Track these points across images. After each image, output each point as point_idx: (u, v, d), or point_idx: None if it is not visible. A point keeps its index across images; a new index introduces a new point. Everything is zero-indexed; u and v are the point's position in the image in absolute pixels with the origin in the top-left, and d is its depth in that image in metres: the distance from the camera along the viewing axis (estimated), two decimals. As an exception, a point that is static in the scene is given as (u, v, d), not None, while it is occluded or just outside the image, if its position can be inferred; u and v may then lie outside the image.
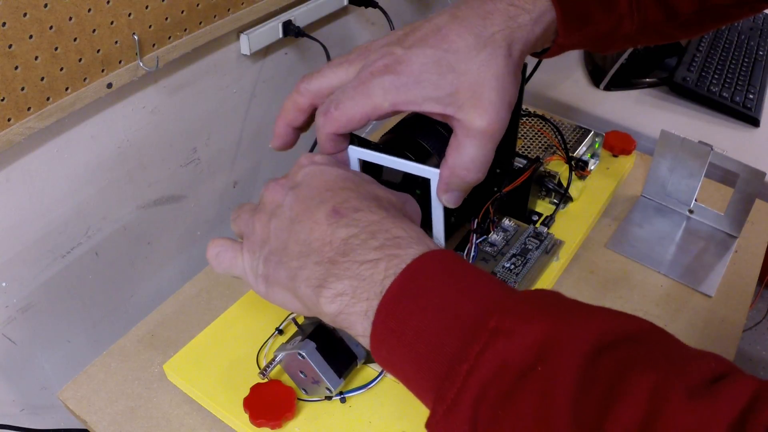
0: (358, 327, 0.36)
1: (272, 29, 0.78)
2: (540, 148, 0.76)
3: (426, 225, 0.45)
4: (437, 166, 0.54)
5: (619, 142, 0.82)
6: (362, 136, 0.52)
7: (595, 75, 1.18)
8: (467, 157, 0.43)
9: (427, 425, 0.35)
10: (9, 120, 0.56)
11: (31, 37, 0.55)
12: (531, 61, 0.81)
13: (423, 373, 0.35)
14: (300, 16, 0.80)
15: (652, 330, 0.34)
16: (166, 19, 0.65)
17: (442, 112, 0.42)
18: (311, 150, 0.88)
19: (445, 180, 0.44)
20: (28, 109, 0.57)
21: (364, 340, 0.37)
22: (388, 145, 0.54)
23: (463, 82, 0.42)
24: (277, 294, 0.41)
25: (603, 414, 0.29)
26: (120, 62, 0.63)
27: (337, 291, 0.37)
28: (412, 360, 0.35)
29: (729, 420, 0.28)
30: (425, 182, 0.46)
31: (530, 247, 0.67)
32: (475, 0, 0.45)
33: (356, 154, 0.47)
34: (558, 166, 0.73)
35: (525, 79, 0.62)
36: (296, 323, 0.56)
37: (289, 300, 0.41)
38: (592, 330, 0.32)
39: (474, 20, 0.44)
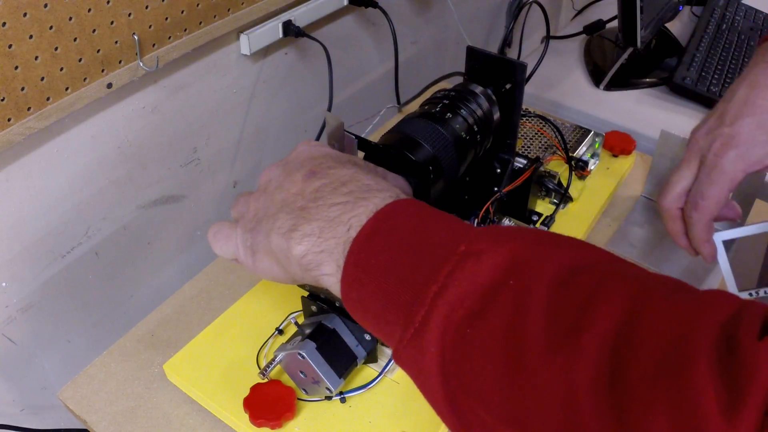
0: (326, 267, 0.37)
1: (272, 29, 0.78)
2: (540, 148, 0.76)
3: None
4: (436, 165, 0.54)
5: (619, 142, 0.82)
6: (362, 136, 0.52)
7: (595, 75, 1.18)
8: None
9: (394, 355, 0.34)
10: (9, 120, 0.55)
11: (31, 37, 0.55)
12: (531, 61, 0.81)
13: (392, 305, 0.34)
14: (300, 16, 0.80)
15: (626, 260, 0.33)
16: (166, 19, 0.65)
17: None
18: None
19: None
20: (28, 109, 0.57)
21: (333, 281, 0.37)
22: (387, 144, 0.54)
23: None
24: (262, 262, 0.42)
25: (581, 318, 0.29)
26: (120, 62, 0.63)
27: (305, 232, 0.37)
28: (382, 294, 0.34)
29: (721, 314, 0.27)
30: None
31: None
32: (759, 66, 0.54)
33: (721, 237, 0.54)
34: (558, 166, 0.73)
35: (525, 79, 0.62)
36: (296, 323, 0.56)
37: (270, 265, 0.41)
38: (564, 253, 0.33)
39: (766, 83, 0.52)
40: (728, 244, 0.55)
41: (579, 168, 0.75)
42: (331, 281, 0.37)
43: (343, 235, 0.36)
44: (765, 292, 0.54)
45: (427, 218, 0.36)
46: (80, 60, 0.59)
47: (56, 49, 0.57)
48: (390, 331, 0.35)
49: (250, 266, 0.43)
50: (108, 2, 0.59)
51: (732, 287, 0.55)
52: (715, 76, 1.12)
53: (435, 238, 0.35)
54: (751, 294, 0.55)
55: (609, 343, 0.28)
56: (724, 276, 0.56)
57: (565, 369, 0.28)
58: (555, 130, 0.76)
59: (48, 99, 0.58)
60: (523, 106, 0.71)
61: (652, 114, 1.09)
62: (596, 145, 0.79)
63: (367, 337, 0.53)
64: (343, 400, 0.54)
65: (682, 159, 0.57)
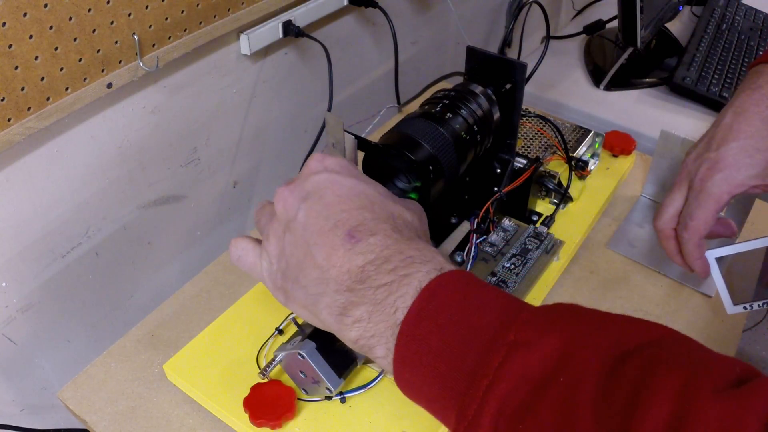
0: (378, 350, 0.37)
1: (272, 29, 0.78)
2: (540, 148, 0.76)
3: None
4: (436, 165, 0.54)
5: (619, 142, 0.82)
6: (362, 136, 0.52)
7: (595, 75, 1.18)
8: None
9: None
10: (9, 120, 0.55)
11: (31, 37, 0.55)
12: (531, 61, 0.81)
13: (445, 392, 0.34)
14: (300, 16, 0.80)
15: (674, 335, 0.33)
16: (166, 19, 0.65)
17: (763, 183, 0.54)
18: (311, 149, 0.88)
19: None
20: (28, 109, 0.57)
21: (386, 363, 0.37)
22: (387, 144, 0.54)
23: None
24: (297, 309, 0.42)
25: (628, 417, 0.29)
26: (120, 62, 0.63)
27: (356, 317, 0.38)
28: (433, 379, 0.35)
29: (763, 415, 0.27)
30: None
31: (530, 247, 0.67)
32: (745, 93, 0.57)
33: (713, 254, 0.57)
34: (558, 166, 0.73)
35: (525, 79, 0.62)
36: (296, 323, 0.56)
37: (307, 316, 0.42)
38: (611, 338, 0.32)
39: (752, 109, 0.55)
40: (722, 260, 0.57)
41: (579, 168, 0.75)
42: (384, 363, 0.38)
43: (390, 318, 0.36)
44: (759, 306, 0.55)
45: (472, 296, 0.36)
46: (80, 60, 0.59)
47: (56, 49, 0.57)
48: (445, 417, 0.36)
49: (279, 301, 0.43)
50: (108, 2, 0.59)
51: (726, 302, 0.57)
52: (715, 76, 1.12)
53: (483, 320, 0.35)
54: (745, 307, 0.57)
55: None
56: (718, 291, 0.58)
57: None
58: (555, 130, 0.76)
59: (48, 99, 0.58)
60: (523, 106, 0.71)
61: (652, 114, 1.09)
62: (596, 145, 0.79)
63: (367, 337, 0.53)
64: (343, 400, 0.54)
65: (674, 183, 0.60)
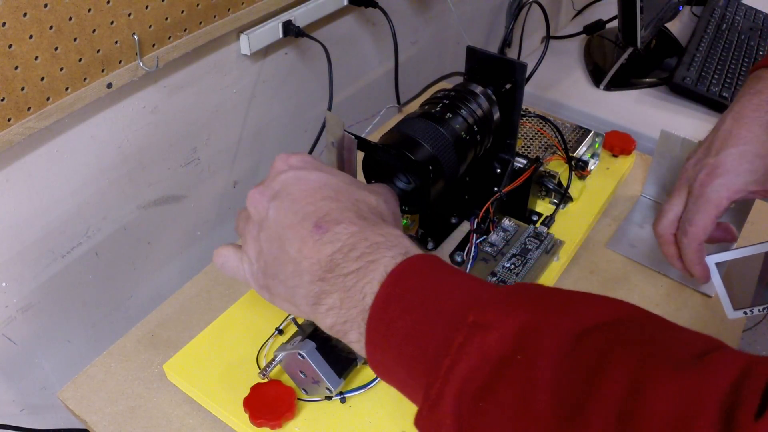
0: (351, 335, 0.39)
1: (272, 29, 0.78)
2: (540, 148, 0.76)
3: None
4: (436, 165, 0.54)
5: (619, 142, 0.82)
6: (362, 136, 0.52)
7: (595, 75, 1.18)
8: None
9: (416, 422, 0.35)
10: (9, 120, 0.55)
11: (31, 37, 0.55)
12: (531, 61, 0.81)
13: (413, 373, 0.36)
14: (300, 16, 0.80)
15: (635, 312, 0.34)
16: (166, 19, 0.65)
17: (762, 189, 0.54)
18: (312, 149, 0.88)
19: None
20: (28, 109, 0.57)
21: (359, 347, 0.38)
22: (387, 144, 0.54)
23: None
24: (280, 304, 0.44)
25: (585, 393, 0.29)
26: (120, 62, 0.63)
27: (329, 305, 0.39)
28: (402, 361, 0.36)
29: (720, 391, 0.27)
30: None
31: (530, 247, 0.67)
32: (745, 97, 0.57)
33: (713, 259, 0.57)
34: (558, 166, 0.73)
35: (525, 79, 0.62)
36: (296, 323, 0.56)
37: (291, 309, 0.44)
38: (571, 316, 0.33)
39: (752, 114, 0.56)
40: (722, 265, 0.57)
41: (579, 168, 0.75)
42: (358, 347, 0.39)
43: (360, 303, 0.38)
44: (759, 311, 0.55)
45: (437, 279, 0.37)
46: (80, 60, 0.59)
47: (56, 49, 0.57)
48: (414, 397, 0.37)
49: (265, 299, 0.45)
50: (108, 2, 0.59)
51: (727, 307, 0.57)
52: (715, 76, 1.12)
53: (447, 303, 0.36)
54: (745, 312, 0.57)
55: (613, 423, 0.28)
56: (718, 295, 0.58)
57: None
58: (555, 130, 0.76)
59: (48, 99, 0.58)
60: (523, 106, 0.71)
61: (652, 114, 1.09)
62: (596, 145, 0.79)
63: (367, 337, 0.53)
64: (343, 400, 0.54)
65: (674, 188, 0.60)
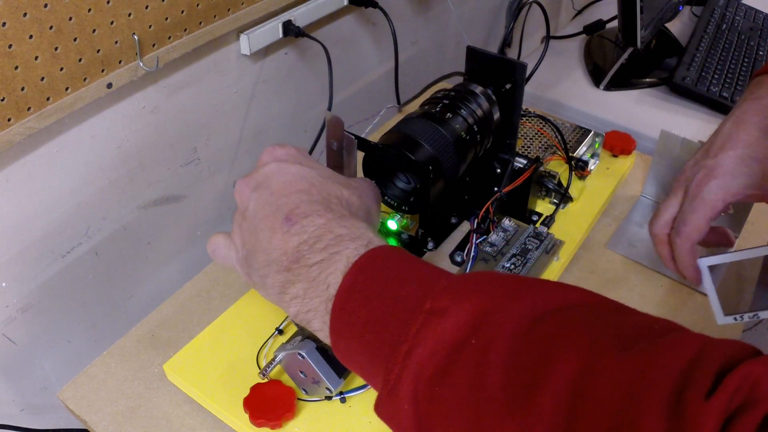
0: (315, 323, 0.40)
1: (272, 29, 0.78)
2: (540, 148, 0.76)
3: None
4: (436, 165, 0.54)
5: (619, 142, 0.82)
6: (362, 136, 0.52)
7: (595, 75, 1.18)
8: None
9: (375, 408, 0.36)
10: (9, 120, 0.55)
11: (31, 37, 0.55)
12: (531, 61, 0.81)
13: (373, 360, 0.36)
14: (300, 16, 0.80)
15: (594, 298, 0.34)
16: (166, 19, 0.65)
17: (758, 192, 0.54)
18: (312, 149, 0.88)
19: None
20: (28, 109, 0.57)
21: (323, 336, 0.40)
22: (388, 144, 0.54)
23: (766, 167, 0.53)
24: (259, 291, 0.45)
25: (538, 375, 0.30)
26: (120, 62, 0.63)
27: (293, 294, 0.41)
28: (363, 348, 0.37)
29: (673, 371, 0.28)
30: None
31: (530, 247, 0.67)
32: (746, 102, 0.57)
33: (706, 262, 0.56)
34: (558, 166, 0.73)
35: (525, 79, 0.62)
36: (296, 323, 0.56)
37: (265, 296, 0.45)
38: (527, 302, 0.33)
39: (752, 119, 0.55)
40: (715, 268, 0.57)
41: (579, 168, 0.75)
42: (322, 336, 0.40)
43: (324, 293, 0.39)
44: (749, 317, 0.55)
45: (398, 269, 0.38)
46: (80, 60, 0.59)
47: (56, 49, 0.57)
48: (375, 384, 0.38)
49: (251, 285, 0.46)
50: (108, 2, 0.59)
51: (717, 311, 0.56)
52: (715, 76, 1.12)
53: (405, 291, 0.37)
54: (735, 318, 0.56)
55: (564, 404, 0.29)
56: (709, 299, 0.57)
57: (523, 430, 0.29)
58: (555, 130, 0.76)
59: (48, 99, 0.58)
60: (523, 106, 0.71)
61: (652, 114, 1.09)
62: (596, 145, 0.79)
63: (367, 337, 0.53)
64: (343, 400, 0.54)
65: (671, 189, 0.60)
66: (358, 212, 0.45)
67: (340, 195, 0.45)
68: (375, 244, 0.40)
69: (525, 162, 0.68)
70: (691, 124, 1.06)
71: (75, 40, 0.58)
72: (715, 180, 0.55)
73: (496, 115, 0.62)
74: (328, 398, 0.54)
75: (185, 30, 0.68)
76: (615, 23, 1.16)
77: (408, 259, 0.40)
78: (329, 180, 0.45)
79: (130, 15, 0.62)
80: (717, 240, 0.60)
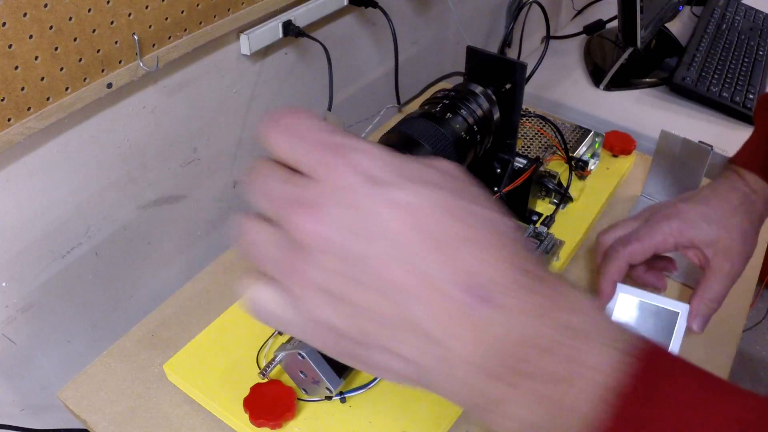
0: None
1: (272, 29, 0.78)
2: (540, 148, 0.76)
3: None
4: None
5: (619, 142, 0.82)
6: (362, 136, 0.52)
7: (595, 75, 1.18)
8: (714, 292, 0.59)
9: None
10: (9, 120, 0.55)
11: (31, 37, 0.55)
12: (531, 61, 0.81)
13: None
14: (300, 16, 0.80)
15: None
16: (166, 19, 0.65)
17: (704, 251, 0.59)
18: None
19: (696, 308, 0.60)
20: (28, 109, 0.57)
21: None
22: (387, 144, 0.54)
23: (722, 235, 0.59)
24: (389, 377, 0.30)
25: None
26: (120, 62, 0.63)
27: (511, 414, 0.28)
28: None
29: None
30: None
31: (530, 247, 0.67)
32: (725, 184, 0.63)
33: (622, 289, 0.62)
34: (558, 166, 0.73)
35: (525, 79, 0.62)
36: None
37: (412, 384, 0.30)
38: None
39: (727, 195, 0.61)
40: (627, 300, 0.62)
41: (579, 168, 0.75)
42: None
43: (573, 424, 0.27)
44: None
45: (681, 397, 0.27)
46: (80, 60, 0.59)
47: (56, 49, 0.57)
48: None
49: (349, 364, 0.31)
50: (108, 2, 0.59)
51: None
52: (715, 76, 1.12)
53: None
54: None
55: None
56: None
57: None
58: (555, 130, 0.76)
59: (48, 99, 0.58)
60: (523, 106, 0.71)
61: (652, 114, 1.09)
62: (596, 145, 0.79)
63: (367, 337, 0.53)
64: (343, 400, 0.54)
65: (635, 215, 0.65)
66: (528, 251, 0.29)
67: (507, 230, 0.28)
68: (626, 346, 0.27)
69: (525, 162, 0.68)
70: (691, 124, 1.06)
71: (75, 40, 0.58)
72: (677, 220, 0.60)
73: (496, 115, 0.62)
74: (328, 398, 0.54)
75: (185, 30, 0.68)
76: (615, 23, 1.16)
77: (688, 372, 0.28)
78: (472, 202, 0.28)
79: (130, 15, 0.62)
80: (652, 281, 0.65)
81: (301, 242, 0.27)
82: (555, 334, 0.27)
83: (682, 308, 0.62)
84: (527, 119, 0.80)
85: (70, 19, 0.57)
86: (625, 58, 1.13)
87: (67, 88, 0.59)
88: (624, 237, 0.62)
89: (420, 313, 0.26)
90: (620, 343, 0.27)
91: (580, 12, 1.45)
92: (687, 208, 0.61)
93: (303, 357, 0.50)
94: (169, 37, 0.67)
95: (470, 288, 0.26)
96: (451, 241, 0.26)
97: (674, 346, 0.61)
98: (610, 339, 0.27)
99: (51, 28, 0.56)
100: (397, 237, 0.26)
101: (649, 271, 0.65)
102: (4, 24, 0.52)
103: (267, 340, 0.58)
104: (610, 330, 0.28)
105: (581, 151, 0.76)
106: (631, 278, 0.64)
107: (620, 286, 0.63)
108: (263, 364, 0.56)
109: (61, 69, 0.58)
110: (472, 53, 0.63)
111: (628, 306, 0.64)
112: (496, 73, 0.62)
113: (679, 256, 0.71)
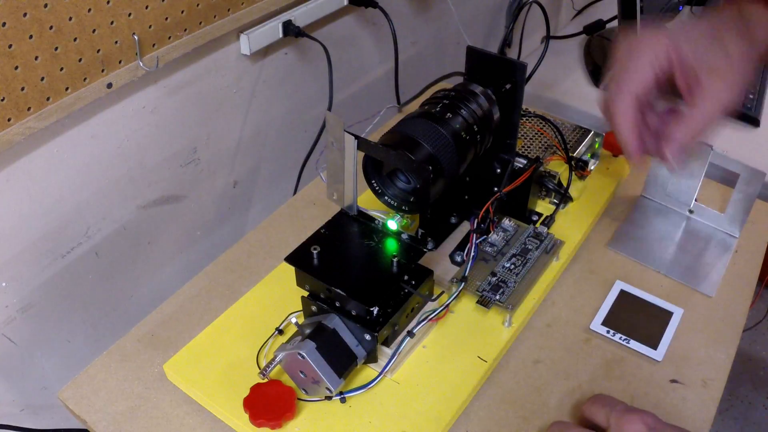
0: None
1: (272, 29, 0.78)
2: (540, 148, 0.76)
3: None
4: (436, 165, 0.54)
5: (619, 142, 0.82)
6: (362, 136, 0.52)
7: (595, 75, 1.18)
8: (698, 118, 0.50)
9: None
10: (9, 120, 0.56)
11: (31, 37, 0.55)
12: (531, 61, 0.81)
13: None
14: (300, 16, 0.80)
15: None
16: (166, 19, 0.65)
17: (697, 71, 0.49)
18: (311, 149, 0.88)
19: (676, 132, 0.50)
20: (28, 109, 0.57)
21: None
22: (387, 144, 0.54)
23: (722, 58, 0.48)
24: None
25: None
26: (120, 62, 0.63)
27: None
28: None
29: None
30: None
31: (530, 247, 0.67)
32: (719, 15, 0.53)
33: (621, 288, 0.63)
34: (558, 166, 0.73)
35: (525, 79, 0.62)
36: (296, 323, 0.56)
37: None
38: None
39: (722, 20, 0.51)
40: (625, 298, 0.62)
41: (579, 168, 0.75)
42: None
43: None
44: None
45: None
46: (80, 60, 0.59)
47: (56, 49, 0.57)
48: None
49: None
50: (108, 2, 0.59)
51: None
52: (715, 76, 1.12)
53: None
54: None
55: None
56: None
57: None
58: (555, 130, 0.76)
59: (48, 99, 0.58)
60: (523, 106, 0.71)
61: (652, 114, 1.08)
62: (596, 145, 0.79)
63: (368, 336, 0.53)
64: (343, 400, 0.54)
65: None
66: None
67: None
68: None
69: (525, 162, 0.68)
70: (691, 124, 1.06)
71: (75, 40, 0.58)
72: (667, 38, 0.51)
73: (496, 115, 0.62)
74: (328, 398, 0.54)
75: (185, 30, 0.68)
76: (615, 23, 1.16)
77: None
78: None
79: (130, 15, 0.62)
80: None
81: None
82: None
83: (676, 310, 0.65)
84: (527, 119, 0.80)
85: (70, 19, 0.57)
86: (625, 58, 1.13)
87: (67, 88, 0.59)
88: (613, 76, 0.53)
89: None
90: None
91: (580, 12, 1.45)
92: (677, 28, 0.51)
93: (303, 357, 0.50)
94: (169, 37, 0.67)
95: None
96: None
97: (664, 343, 0.61)
98: None
99: (51, 28, 0.56)
100: None
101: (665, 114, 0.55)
102: (4, 24, 0.52)
103: (267, 340, 0.58)
104: None
105: (581, 151, 0.76)
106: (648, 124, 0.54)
107: (619, 284, 0.63)
108: (263, 364, 0.56)
109: (61, 69, 0.58)
110: (472, 53, 0.63)
111: (626, 304, 0.65)
112: (496, 73, 0.62)
113: (676, 253, 0.71)
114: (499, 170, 0.67)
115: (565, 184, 0.71)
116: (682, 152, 0.50)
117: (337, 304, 0.53)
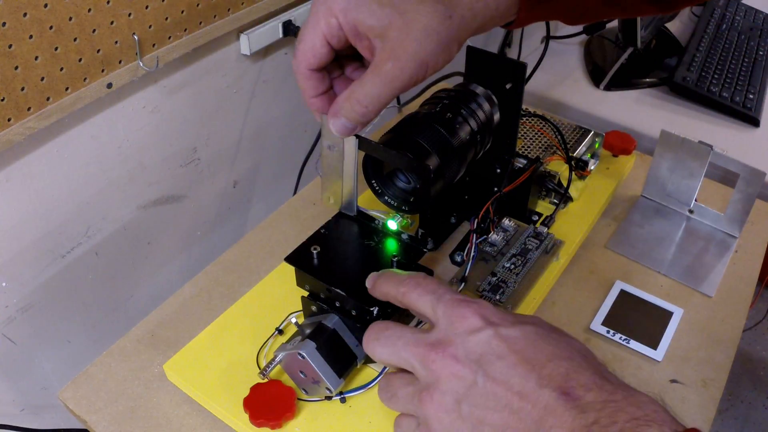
0: None
1: (272, 29, 0.78)
2: (540, 148, 0.76)
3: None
4: (436, 165, 0.54)
5: (619, 142, 0.82)
6: (363, 135, 0.52)
7: (595, 75, 1.18)
8: (364, 92, 0.43)
9: None
10: (9, 120, 0.56)
11: (31, 37, 0.55)
12: (531, 61, 0.81)
13: None
14: (300, 16, 0.80)
15: None
16: (166, 19, 0.65)
17: (369, 38, 0.42)
18: (311, 149, 0.88)
19: (339, 104, 0.44)
20: (28, 109, 0.57)
21: None
22: (388, 144, 0.54)
23: (396, 21, 0.41)
24: None
25: None
26: (120, 62, 0.63)
27: None
28: None
29: None
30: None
31: (530, 247, 0.67)
32: None
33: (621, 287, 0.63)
34: (558, 166, 0.73)
35: (525, 79, 0.62)
36: (296, 323, 0.56)
37: None
38: None
39: None
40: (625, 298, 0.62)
41: (579, 168, 0.75)
42: None
43: None
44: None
45: None
46: (80, 60, 0.59)
47: (56, 49, 0.57)
48: None
49: None
50: (108, 2, 0.59)
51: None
52: (715, 76, 1.12)
53: None
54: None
55: None
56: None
57: None
58: (555, 130, 0.76)
59: (48, 99, 0.58)
60: (523, 106, 0.71)
61: (652, 114, 1.09)
62: (596, 145, 0.79)
63: (367, 337, 0.53)
64: (343, 400, 0.54)
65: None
66: (609, 373, 0.39)
67: (586, 350, 0.38)
68: (680, 426, 0.34)
69: (525, 162, 0.68)
70: (691, 124, 1.06)
71: (75, 40, 0.58)
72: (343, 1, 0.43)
73: (497, 115, 0.62)
74: (328, 398, 0.54)
75: (185, 30, 0.68)
76: (615, 23, 1.16)
77: None
78: (563, 334, 0.39)
79: (130, 15, 0.62)
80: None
81: (435, 373, 0.38)
82: (623, 420, 0.33)
83: (676, 310, 0.65)
84: (527, 119, 0.80)
85: (70, 19, 0.57)
86: (625, 58, 1.13)
87: (67, 88, 0.59)
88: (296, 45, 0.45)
89: (526, 415, 0.35)
90: (674, 424, 0.34)
91: (580, 12, 1.44)
92: None
93: (303, 357, 0.50)
94: (169, 37, 0.67)
95: (562, 389, 0.35)
96: (543, 358, 0.36)
97: (664, 343, 0.61)
98: (665, 426, 0.33)
99: (51, 28, 0.56)
100: (504, 355, 0.37)
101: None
102: (4, 24, 0.52)
103: (267, 340, 0.58)
104: (667, 418, 0.34)
105: (581, 151, 0.76)
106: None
107: (619, 284, 0.64)
108: (263, 364, 0.56)
109: (61, 69, 0.58)
110: (472, 53, 0.63)
111: (626, 304, 0.65)
112: (496, 73, 0.62)
113: (676, 253, 0.71)
114: (499, 170, 0.67)
115: (565, 184, 0.72)
116: (342, 125, 0.45)
117: (337, 304, 0.53)
